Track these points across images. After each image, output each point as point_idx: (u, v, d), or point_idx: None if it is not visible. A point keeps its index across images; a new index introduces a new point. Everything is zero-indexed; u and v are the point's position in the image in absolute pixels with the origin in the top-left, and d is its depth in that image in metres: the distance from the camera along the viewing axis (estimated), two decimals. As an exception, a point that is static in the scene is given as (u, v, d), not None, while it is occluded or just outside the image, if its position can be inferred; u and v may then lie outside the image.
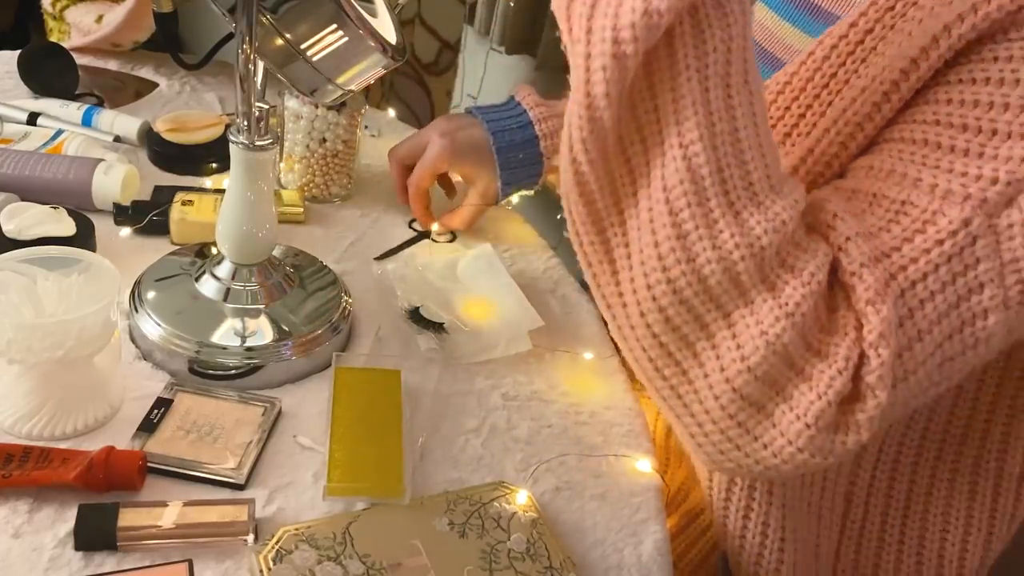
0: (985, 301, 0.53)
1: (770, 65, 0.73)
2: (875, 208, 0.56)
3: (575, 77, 0.51)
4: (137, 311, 0.72)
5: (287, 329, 0.72)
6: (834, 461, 0.53)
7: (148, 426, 0.64)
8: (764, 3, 0.75)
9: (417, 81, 1.53)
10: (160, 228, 0.84)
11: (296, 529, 0.58)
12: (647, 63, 0.51)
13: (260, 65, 0.66)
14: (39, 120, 0.98)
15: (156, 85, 1.14)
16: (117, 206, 0.85)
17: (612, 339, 0.84)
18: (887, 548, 0.75)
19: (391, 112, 1.15)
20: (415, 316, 0.80)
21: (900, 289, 0.53)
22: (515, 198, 0.94)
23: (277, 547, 0.57)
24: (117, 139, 0.98)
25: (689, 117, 0.50)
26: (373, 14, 0.66)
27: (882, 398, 0.52)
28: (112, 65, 1.16)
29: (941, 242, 0.53)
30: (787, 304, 0.51)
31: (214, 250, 0.77)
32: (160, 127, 0.96)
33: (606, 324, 0.86)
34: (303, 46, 0.62)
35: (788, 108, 0.66)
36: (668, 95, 0.51)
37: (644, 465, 0.70)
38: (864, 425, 0.52)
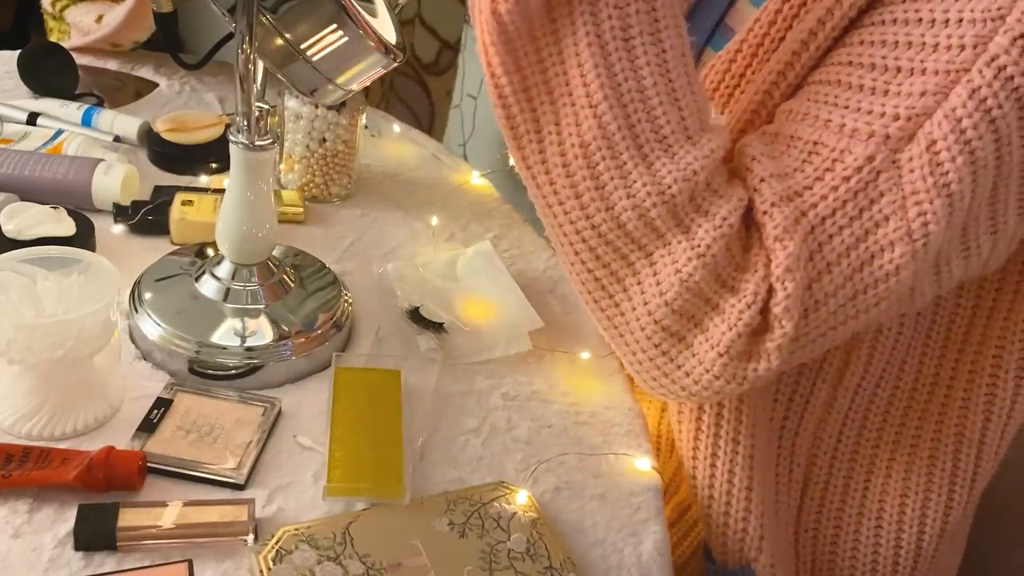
0: (890, 234, 0.56)
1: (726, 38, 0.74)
2: (790, 150, 0.59)
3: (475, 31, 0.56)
4: (137, 311, 0.72)
5: (287, 329, 0.72)
6: (747, 387, 0.58)
7: (148, 426, 0.64)
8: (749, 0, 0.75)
9: (417, 81, 1.53)
10: (160, 228, 0.84)
11: (296, 529, 0.58)
12: (552, 26, 0.55)
13: (260, 65, 0.66)
14: (39, 120, 0.98)
15: (156, 85, 1.14)
16: (117, 206, 0.85)
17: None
18: (848, 511, 0.76)
19: (396, 128, 1.15)
20: (415, 316, 0.80)
21: (810, 225, 0.56)
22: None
23: (277, 547, 0.57)
24: (117, 139, 0.98)
25: (593, 79, 0.54)
26: (373, 14, 0.66)
27: (788, 328, 0.56)
28: (112, 65, 1.16)
29: (847, 179, 0.56)
30: (699, 246, 0.55)
31: (213, 250, 0.77)
32: (160, 127, 0.96)
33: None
34: (303, 46, 0.62)
35: (742, 75, 0.68)
36: (573, 59, 0.55)
37: (644, 465, 0.70)
38: (773, 353, 0.57)
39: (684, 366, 0.59)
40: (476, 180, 1.06)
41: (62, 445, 0.62)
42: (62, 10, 1.19)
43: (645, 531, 0.65)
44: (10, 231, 0.76)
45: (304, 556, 0.56)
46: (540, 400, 0.75)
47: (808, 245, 0.56)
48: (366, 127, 1.02)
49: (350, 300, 0.79)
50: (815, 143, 0.58)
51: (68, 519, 0.57)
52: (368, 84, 0.69)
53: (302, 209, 0.92)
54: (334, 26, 0.61)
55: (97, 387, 0.65)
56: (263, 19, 0.61)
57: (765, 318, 0.57)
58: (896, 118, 0.55)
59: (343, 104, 0.90)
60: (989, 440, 0.74)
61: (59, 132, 0.96)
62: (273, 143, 0.69)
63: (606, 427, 0.74)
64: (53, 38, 1.21)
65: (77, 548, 0.56)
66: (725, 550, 0.73)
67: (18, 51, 1.05)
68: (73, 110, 1.00)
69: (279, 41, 0.62)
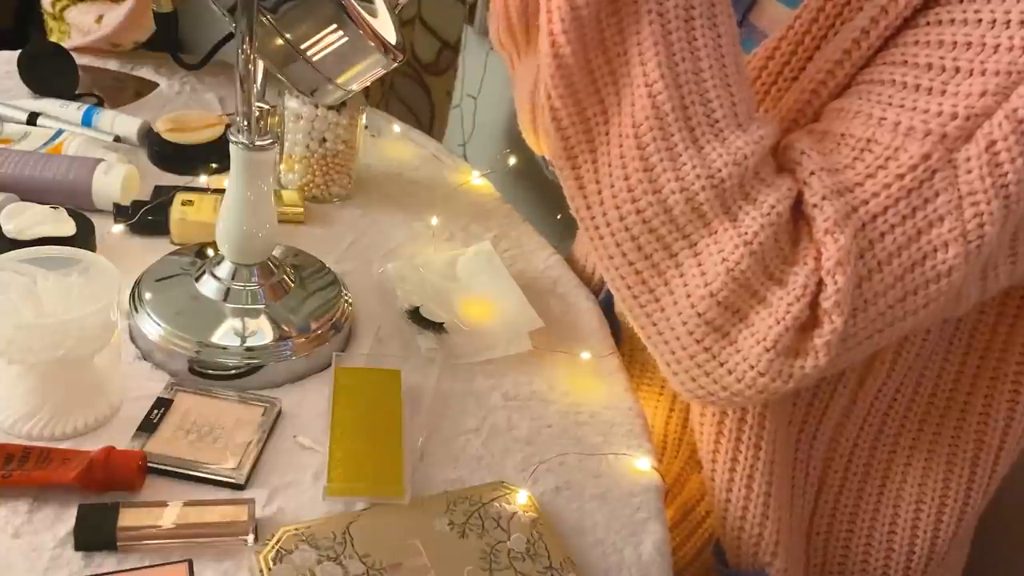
0: (944, 234, 0.55)
1: (754, 39, 0.74)
2: (842, 147, 0.58)
3: (541, 20, 0.56)
4: (137, 311, 0.72)
5: (287, 329, 0.72)
6: (794, 385, 0.57)
7: (148, 426, 0.64)
8: None
9: (417, 81, 1.53)
10: (160, 228, 0.84)
11: (296, 529, 0.58)
12: (615, 7, 0.55)
13: (260, 65, 0.66)
14: (39, 120, 0.98)
15: (156, 85, 1.14)
16: (117, 206, 0.85)
17: (612, 338, 0.85)
18: (861, 515, 0.76)
19: (396, 128, 1.15)
20: (415, 316, 0.80)
21: (861, 222, 0.55)
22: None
23: (277, 547, 0.57)
24: (117, 139, 0.98)
25: (651, 58, 0.55)
26: (373, 14, 0.66)
27: (838, 323, 0.54)
28: (112, 65, 1.16)
29: (902, 176, 0.55)
30: (746, 234, 0.55)
31: (213, 250, 0.77)
32: (160, 127, 0.96)
33: (607, 316, 0.87)
34: (303, 46, 0.62)
35: (780, 72, 0.67)
36: (634, 38, 0.55)
37: (644, 465, 0.70)
38: (822, 350, 0.55)
39: (728, 363, 0.58)
40: (476, 180, 1.06)
41: (62, 445, 0.62)
42: (62, 10, 1.19)
43: (645, 531, 0.66)
44: (10, 231, 0.76)
45: (304, 556, 0.56)
46: (540, 400, 0.75)
47: (859, 241, 0.55)
48: (366, 127, 1.02)
49: (350, 300, 0.79)
50: (868, 140, 0.57)
51: (68, 519, 0.57)
52: (368, 84, 0.69)
53: (302, 209, 0.92)
54: (334, 26, 0.61)
55: (97, 387, 0.65)
56: (263, 19, 0.61)
57: (814, 313, 0.56)
58: (954, 117, 0.54)
59: (343, 104, 0.90)
60: (1008, 446, 0.73)
61: (59, 132, 0.96)
62: (273, 143, 0.69)
63: (606, 427, 0.74)
64: (53, 38, 1.21)
65: (77, 548, 0.56)
66: (739, 553, 0.72)
67: (18, 51, 1.05)
68: (73, 110, 1.00)
69: (279, 41, 0.62)
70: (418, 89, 1.53)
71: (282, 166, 0.96)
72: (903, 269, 0.56)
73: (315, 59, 0.63)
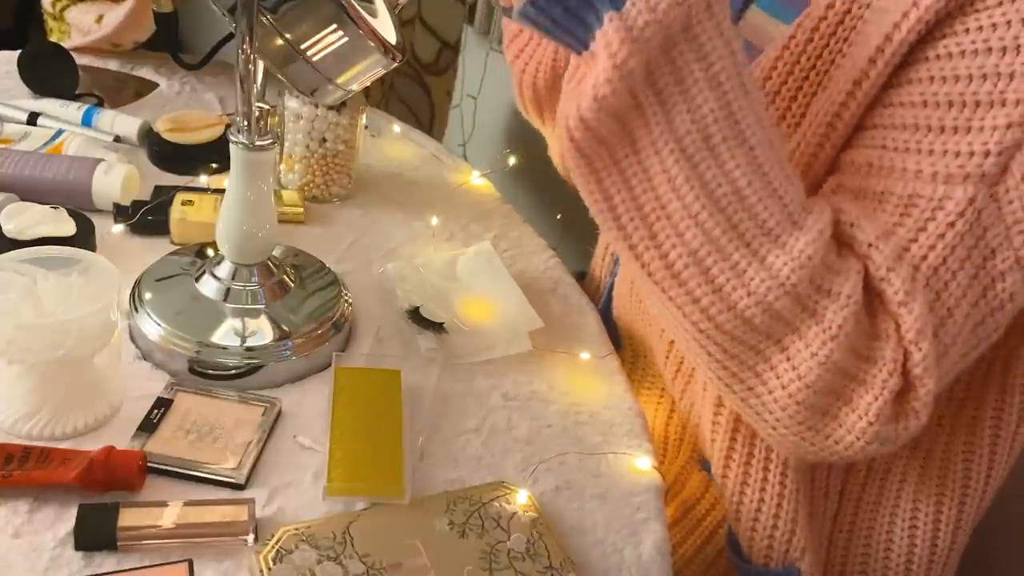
0: (999, 264, 0.57)
1: (747, 53, 0.73)
2: (885, 205, 0.59)
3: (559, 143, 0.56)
4: (137, 311, 0.72)
5: (287, 329, 0.72)
6: (901, 444, 0.59)
7: (148, 426, 0.64)
8: (760, 8, 0.75)
9: (417, 81, 1.53)
10: (160, 228, 0.84)
11: (296, 529, 0.58)
12: (636, 153, 0.54)
13: (260, 65, 0.66)
14: (39, 120, 0.98)
15: (156, 85, 1.14)
16: (117, 206, 0.85)
17: (610, 338, 0.85)
18: (882, 512, 0.75)
19: (396, 128, 1.15)
20: (415, 316, 0.80)
21: (925, 278, 0.56)
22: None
23: (277, 547, 0.57)
24: (117, 139, 0.98)
25: (687, 193, 0.54)
26: (373, 14, 0.66)
27: (930, 385, 0.56)
28: (112, 65, 1.16)
29: (952, 224, 0.56)
30: (831, 327, 0.56)
31: (213, 250, 0.77)
32: (160, 127, 0.96)
33: (605, 324, 0.87)
34: (303, 46, 0.62)
35: (778, 92, 0.67)
36: (661, 176, 0.54)
37: (644, 465, 0.70)
38: (920, 410, 0.57)
39: (832, 436, 0.59)
40: (476, 180, 1.06)
41: (62, 445, 0.62)
42: (62, 10, 1.19)
43: (645, 531, 0.65)
44: (10, 231, 0.76)
45: (304, 556, 0.56)
46: (540, 400, 0.75)
47: (927, 296, 0.57)
48: (366, 127, 1.02)
49: (350, 300, 0.79)
50: (911, 196, 0.57)
51: (68, 519, 0.57)
52: (368, 84, 0.69)
53: (302, 209, 0.92)
54: (334, 26, 0.61)
55: (97, 387, 0.65)
56: (263, 19, 0.61)
57: (906, 379, 0.57)
58: (987, 154, 0.55)
59: (343, 104, 0.90)
60: (1020, 439, 0.73)
61: (59, 132, 0.96)
62: (273, 143, 0.69)
63: (606, 427, 0.74)
64: (53, 38, 1.21)
65: (77, 548, 0.56)
66: (766, 550, 0.73)
67: (18, 51, 1.05)
68: (73, 110, 1.00)
69: (279, 41, 0.62)
70: (418, 89, 1.53)
71: (282, 166, 0.96)
72: (970, 306, 0.58)
73: (315, 59, 0.63)
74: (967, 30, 0.56)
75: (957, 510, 0.72)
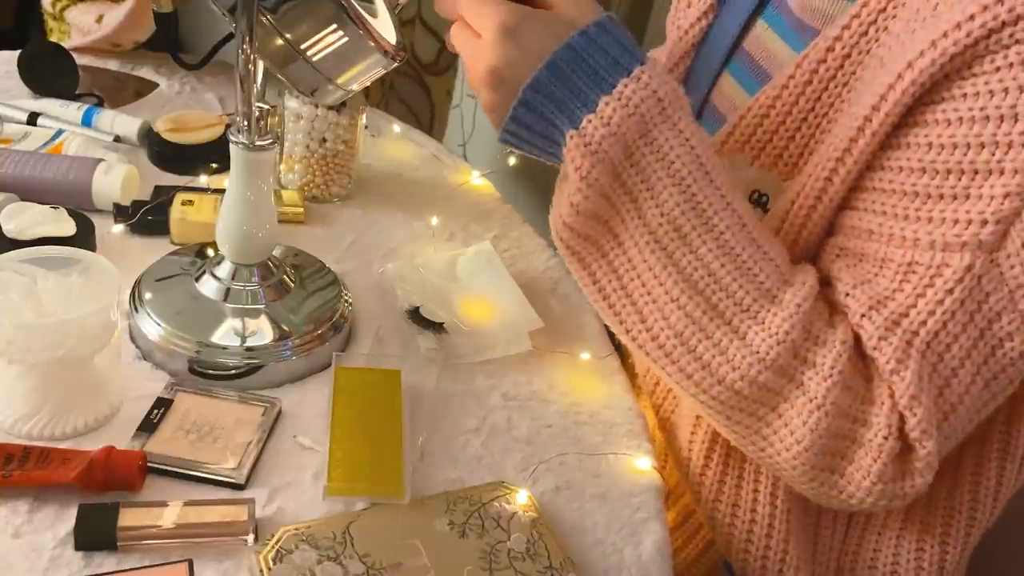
0: (1005, 326, 0.57)
1: (760, 79, 0.74)
2: (884, 271, 0.60)
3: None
4: (137, 311, 0.72)
5: (287, 329, 0.72)
6: (910, 499, 0.60)
7: (148, 426, 0.64)
8: (766, 22, 0.75)
9: (417, 81, 1.53)
10: (160, 228, 0.84)
11: (296, 529, 0.58)
12: (619, 244, 0.60)
13: (260, 65, 0.66)
14: (39, 120, 0.98)
15: (156, 85, 1.14)
16: (117, 206, 0.85)
17: (611, 339, 0.84)
18: (889, 529, 0.75)
19: (396, 128, 1.15)
20: (415, 316, 0.80)
21: (924, 344, 0.57)
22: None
23: (277, 547, 0.57)
24: (117, 139, 0.98)
25: (666, 279, 0.59)
26: (373, 14, 0.66)
27: (929, 447, 0.58)
28: (112, 65, 1.16)
29: (951, 291, 0.57)
30: (816, 398, 0.58)
31: (213, 250, 0.77)
32: (160, 127, 0.96)
33: (606, 324, 0.87)
34: (303, 46, 0.62)
35: (776, 132, 0.69)
36: (643, 265, 0.59)
37: (644, 465, 0.70)
38: (923, 469, 0.58)
39: (842, 492, 0.61)
40: (476, 180, 1.06)
41: (62, 445, 0.62)
42: (62, 10, 1.19)
43: (645, 531, 0.65)
44: (10, 231, 0.76)
45: (304, 556, 0.56)
46: (540, 400, 0.75)
47: (927, 362, 0.58)
48: (366, 127, 1.02)
49: (350, 300, 0.79)
50: (909, 263, 0.58)
51: (68, 519, 0.57)
52: (368, 84, 0.69)
53: (302, 209, 0.92)
54: (334, 26, 0.61)
55: (97, 387, 0.65)
56: (263, 19, 0.61)
57: (905, 442, 0.58)
58: (984, 223, 0.55)
59: (343, 104, 0.90)
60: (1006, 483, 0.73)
61: (59, 132, 0.96)
62: (273, 143, 0.69)
63: (606, 427, 0.74)
64: (53, 38, 1.21)
65: (77, 548, 0.56)
66: (758, 571, 0.73)
67: (18, 51, 1.05)
68: (73, 110, 1.00)
69: (279, 41, 0.62)
70: (418, 89, 1.53)
71: (282, 166, 0.96)
72: (977, 366, 0.58)
73: (315, 59, 0.63)
74: (965, 95, 0.56)
75: (965, 531, 0.71)
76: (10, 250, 0.64)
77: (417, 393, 0.72)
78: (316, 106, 0.91)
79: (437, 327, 0.79)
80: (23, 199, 0.82)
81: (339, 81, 0.65)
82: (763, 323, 0.58)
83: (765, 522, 0.71)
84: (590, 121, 0.56)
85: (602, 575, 0.62)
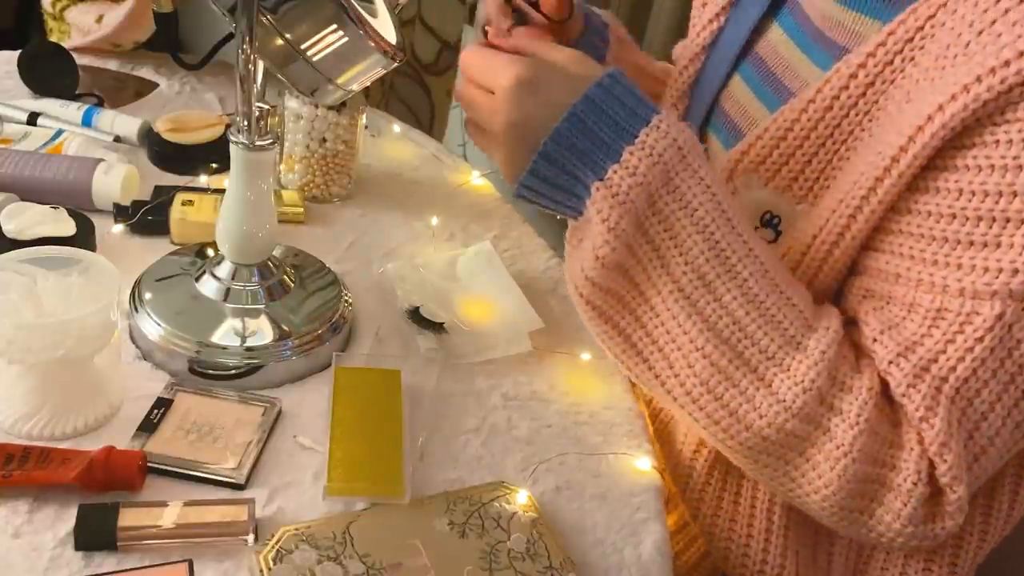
0: None
1: (778, 94, 0.74)
2: (913, 315, 0.60)
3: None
4: (137, 311, 0.72)
5: (287, 329, 0.72)
6: (941, 540, 0.60)
7: (148, 426, 0.64)
8: (782, 28, 0.75)
9: (417, 81, 1.53)
10: (160, 228, 0.84)
11: (296, 529, 0.58)
12: (643, 297, 0.60)
13: (260, 65, 0.66)
14: (39, 120, 0.98)
15: (156, 85, 1.14)
16: (117, 206, 0.85)
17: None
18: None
19: (396, 128, 1.15)
20: (415, 316, 0.80)
21: (953, 390, 0.57)
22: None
23: (277, 547, 0.57)
24: (117, 139, 0.98)
25: (691, 328, 0.59)
26: (373, 14, 0.66)
27: (960, 491, 0.58)
28: (112, 65, 1.16)
29: (981, 339, 0.57)
30: (843, 444, 0.58)
31: (213, 250, 0.77)
32: (160, 127, 0.96)
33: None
34: (303, 46, 0.62)
35: (792, 155, 0.68)
36: (668, 314, 0.59)
37: (644, 465, 0.70)
38: (954, 513, 0.58)
39: (873, 531, 0.61)
40: (476, 180, 1.06)
41: (62, 445, 0.62)
42: (62, 10, 1.19)
43: (645, 531, 0.65)
44: (10, 231, 0.76)
45: (304, 556, 0.56)
46: (540, 400, 0.75)
47: (956, 407, 0.58)
48: (366, 127, 1.02)
49: (350, 300, 0.79)
50: (938, 310, 0.58)
51: (68, 519, 0.57)
52: (368, 84, 0.68)
53: (302, 209, 0.92)
54: (334, 26, 0.61)
55: (97, 387, 0.65)
56: (263, 19, 0.61)
57: (935, 486, 0.59)
58: (1015, 272, 0.55)
59: (343, 104, 0.90)
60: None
61: (59, 132, 0.96)
62: (273, 143, 0.69)
63: (606, 427, 0.74)
64: (53, 38, 1.21)
65: (77, 548, 0.56)
66: None
67: (18, 51, 1.05)
68: (73, 110, 1.00)
69: (279, 41, 0.62)
70: (418, 89, 1.53)
71: (282, 166, 0.96)
72: (1008, 409, 0.58)
73: (315, 59, 0.63)
74: (997, 142, 0.55)
75: (975, 551, 0.71)
76: (10, 250, 0.64)
77: (417, 393, 0.72)
78: (316, 106, 0.91)
79: (437, 327, 0.79)
80: (23, 199, 0.82)
81: (339, 81, 0.65)
82: (788, 370, 0.58)
83: (762, 536, 0.71)
84: (615, 171, 0.57)
85: (602, 575, 0.62)
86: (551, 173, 0.59)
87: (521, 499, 0.63)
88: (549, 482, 0.67)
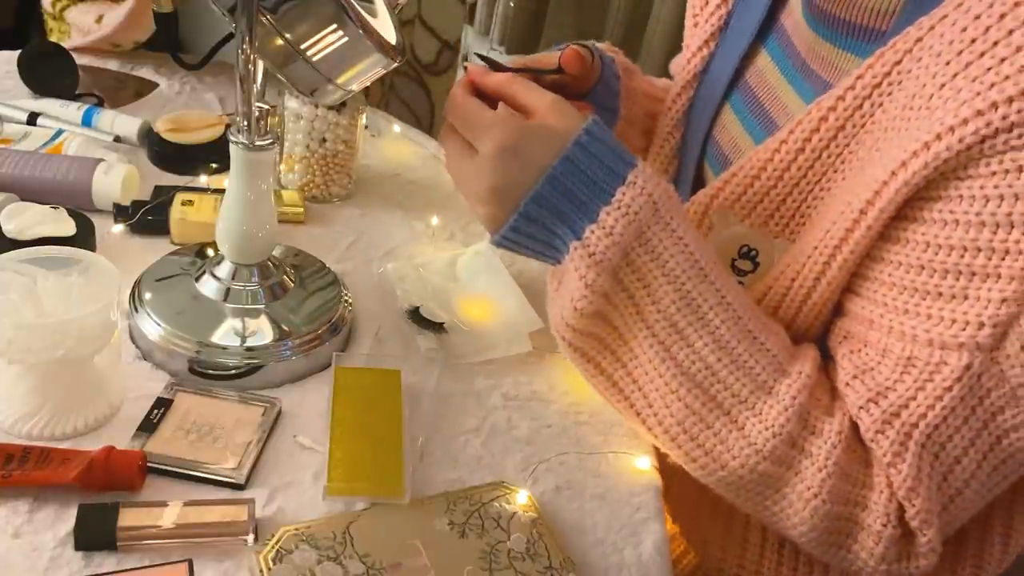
0: (1009, 420, 0.58)
1: (764, 127, 0.74)
2: (885, 360, 0.61)
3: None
4: (137, 311, 0.72)
5: (287, 329, 0.72)
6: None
7: (148, 426, 0.64)
8: (769, 54, 0.75)
9: (417, 81, 1.53)
10: (160, 228, 0.84)
11: (296, 529, 0.58)
12: (623, 340, 0.62)
13: (260, 65, 0.66)
14: (39, 120, 0.98)
15: (156, 85, 1.14)
16: (117, 206, 0.85)
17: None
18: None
19: (396, 128, 1.15)
20: (415, 316, 0.80)
21: (924, 436, 0.58)
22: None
23: (277, 547, 0.57)
24: (117, 139, 0.98)
25: (665, 371, 0.61)
26: (373, 14, 0.66)
27: (930, 535, 0.58)
28: (112, 65, 1.16)
29: (949, 388, 0.57)
30: (812, 487, 0.59)
31: (213, 250, 0.77)
32: (160, 127, 0.96)
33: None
34: (303, 46, 0.62)
35: (766, 194, 0.70)
36: (644, 356, 0.62)
37: (644, 464, 0.70)
38: (927, 554, 0.59)
39: (851, 563, 0.62)
40: (476, 180, 1.05)
41: (62, 445, 0.62)
42: (62, 10, 1.19)
43: (645, 531, 0.65)
44: (10, 231, 0.76)
45: (304, 556, 0.56)
46: (540, 400, 0.75)
47: (928, 452, 0.58)
48: (366, 127, 1.02)
49: (350, 300, 0.79)
50: (908, 358, 0.59)
51: (68, 519, 0.57)
52: (368, 84, 0.69)
53: (302, 209, 0.92)
54: (334, 26, 0.61)
55: (97, 387, 0.65)
56: (263, 19, 0.61)
57: (906, 528, 0.59)
58: (981, 326, 0.55)
59: (343, 104, 0.90)
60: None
61: (59, 132, 0.96)
62: (273, 143, 0.69)
63: (606, 427, 0.74)
64: (53, 38, 1.22)
65: (77, 548, 0.56)
66: None
67: (18, 51, 1.05)
68: (73, 110, 1.00)
69: (279, 41, 0.62)
70: (418, 89, 1.54)
71: (282, 166, 0.96)
72: (982, 454, 0.59)
73: (315, 59, 0.63)
74: (961, 197, 0.56)
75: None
76: (10, 250, 0.64)
77: (417, 393, 0.72)
78: (316, 106, 0.91)
79: (437, 327, 0.79)
80: (23, 199, 0.82)
81: (339, 81, 0.65)
82: (760, 414, 0.60)
83: (756, 550, 0.72)
84: (592, 232, 0.59)
85: (602, 575, 0.62)
86: (531, 230, 0.61)
87: (521, 499, 0.63)
88: (549, 482, 0.67)
